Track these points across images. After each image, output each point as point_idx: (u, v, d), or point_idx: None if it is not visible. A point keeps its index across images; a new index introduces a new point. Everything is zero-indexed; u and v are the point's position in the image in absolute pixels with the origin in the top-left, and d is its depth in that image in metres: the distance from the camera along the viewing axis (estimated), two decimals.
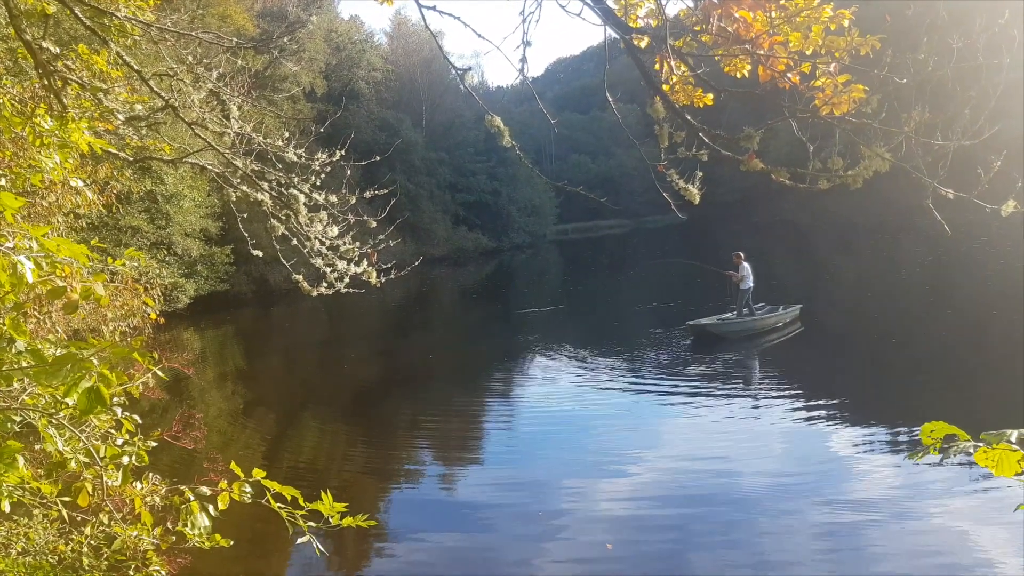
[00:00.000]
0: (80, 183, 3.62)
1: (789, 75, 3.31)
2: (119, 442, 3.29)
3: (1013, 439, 2.22)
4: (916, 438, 10.49)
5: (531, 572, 7.85)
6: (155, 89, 4.77)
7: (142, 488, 3.38)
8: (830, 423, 11.83)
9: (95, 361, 2.93)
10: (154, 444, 3.41)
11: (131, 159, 5.13)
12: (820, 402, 12.98)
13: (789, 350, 18.11)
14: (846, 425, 11.66)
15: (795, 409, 12.80)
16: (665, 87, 3.85)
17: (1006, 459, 2.21)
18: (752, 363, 17.27)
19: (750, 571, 7.45)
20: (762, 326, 19.81)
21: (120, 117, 4.72)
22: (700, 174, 3.59)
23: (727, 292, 20.21)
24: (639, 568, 7.80)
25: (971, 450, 2.26)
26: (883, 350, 16.80)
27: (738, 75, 3.70)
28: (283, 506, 3.05)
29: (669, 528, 8.62)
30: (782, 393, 13.97)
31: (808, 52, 3.30)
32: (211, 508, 3.16)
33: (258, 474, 3.08)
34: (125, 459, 3.01)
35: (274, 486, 3.02)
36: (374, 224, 5.20)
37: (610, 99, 3.84)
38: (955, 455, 2.28)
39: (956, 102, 3.18)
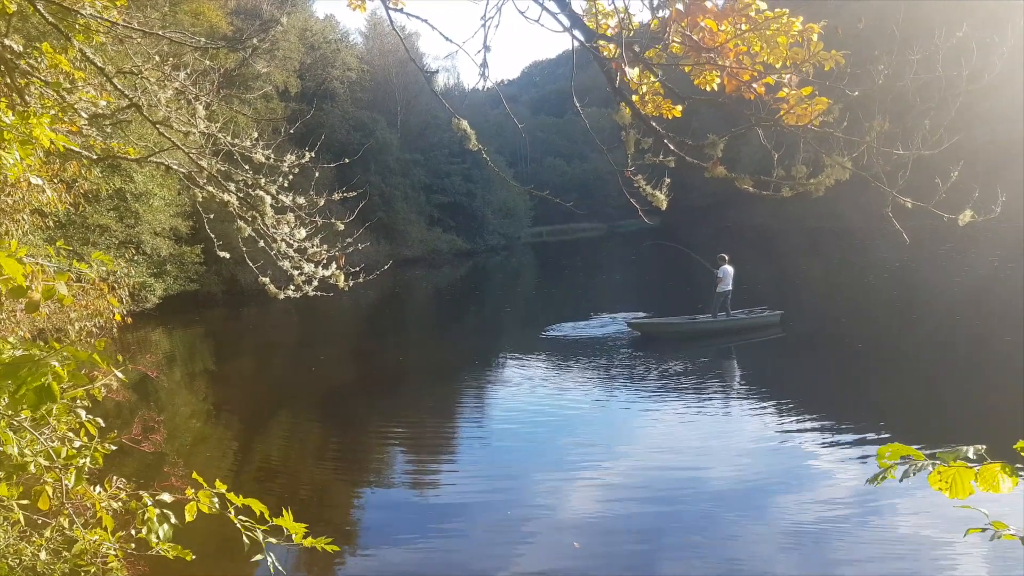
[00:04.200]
0: (40, 181, 3.57)
1: (755, 85, 3.35)
2: (77, 444, 3.24)
3: (970, 455, 2.22)
4: (882, 439, 10.63)
5: (500, 571, 7.85)
6: (119, 87, 4.71)
7: (101, 493, 3.34)
8: (798, 425, 11.95)
9: (55, 363, 2.89)
10: (114, 448, 3.37)
11: (95, 157, 5.05)
12: (789, 404, 13.11)
13: (759, 353, 18.31)
14: (814, 427, 11.78)
15: (764, 411, 12.92)
16: (635, 98, 3.87)
17: (959, 480, 2.19)
18: (722, 365, 17.44)
19: (716, 569, 7.49)
20: (701, 330, 20.07)
21: (84, 115, 4.65)
22: (667, 180, 3.61)
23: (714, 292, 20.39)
24: (607, 566, 7.84)
25: (929, 469, 2.24)
26: (851, 354, 17.02)
27: (708, 88, 3.72)
28: (244, 520, 3.01)
29: (637, 527, 8.67)
30: (751, 395, 14.09)
31: (776, 65, 3.34)
32: (172, 517, 3.12)
33: (220, 486, 3.04)
34: (81, 461, 2.96)
35: (237, 500, 2.98)
36: (341, 227, 5.17)
37: (577, 105, 3.85)
38: (912, 475, 2.26)
39: (916, 112, 3.23)
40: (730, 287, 19.83)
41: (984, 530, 2.25)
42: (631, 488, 9.91)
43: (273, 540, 2.98)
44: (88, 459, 3.06)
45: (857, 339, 18.41)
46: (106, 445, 3.29)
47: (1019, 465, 2.21)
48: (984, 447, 2.23)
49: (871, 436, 11.07)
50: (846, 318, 21.43)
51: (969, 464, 2.18)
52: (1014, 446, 2.20)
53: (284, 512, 2.88)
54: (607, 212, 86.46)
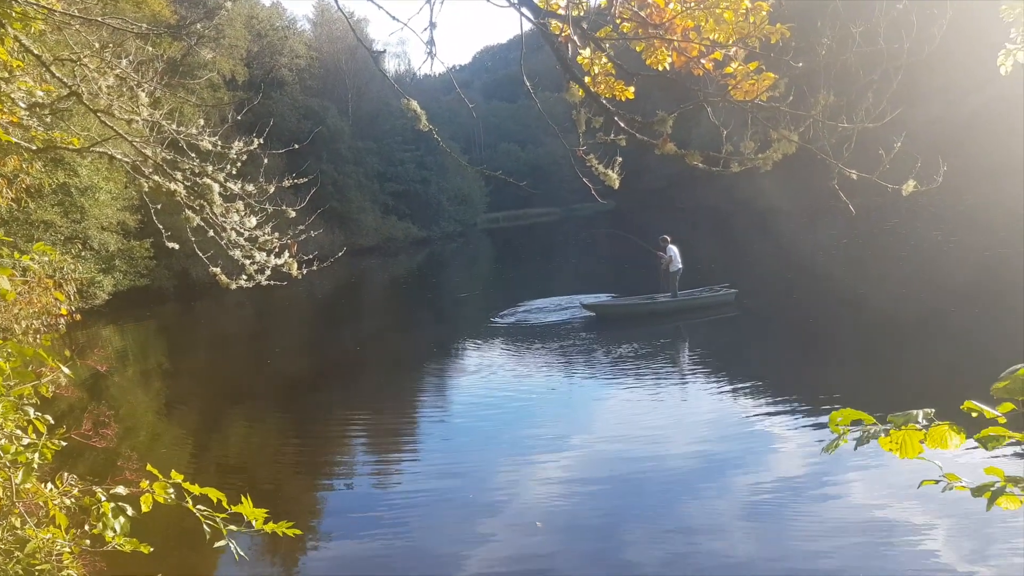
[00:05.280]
0: None
1: (703, 61, 3.38)
2: (25, 442, 3.17)
3: (920, 419, 2.27)
4: (835, 410, 10.85)
5: (463, 552, 7.88)
6: (57, 75, 4.57)
7: (52, 490, 3.26)
8: (754, 401, 12.16)
9: None
10: (64, 444, 3.30)
11: (35, 148, 4.91)
12: (744, 381, 13.33)
13: (714, 332, 18.56)
14: (769, 402, 11.99)
15: (720, 389, 13.11)
16: (588, 79, 3.87)
17: (909, 441, 2.25)
18: (678, 345, 17.65)
19: (678, 544, 7.61)
20: (655, 310, 20.38)
21: (22, 105, 4.52)
22: (619, 159, 3.62)
23: (659, 274, 20.68)
24: (569, 543, 7.93)
25: (881, 434, 2.30)
26: (803, 330, 17.36)
27: (660, 68, 3.74)
28: (203, 509, 2.96)
29: (598, 506, 8.76)
30: (707, 374, 14.29)
31: (720, 40, 3.37)
32: (129, 510, 3.06)
33: (176, 477, 2.99)
34: (29, 457, 2.89)
35: (194, 489, 2.93)
36: (292, 214, 5.09)
37: (528, 86, 3.85)
38: (866, 442, 2.31)
39: (860, 86, 3.28)
40: (680, 266, 20.20)
41: (938, 482, 2.31)
42: (591, 468, 9.99)
43: (234, 527, 2.94)
44: (37, 456, 2.99)
45: (808, 315, 18.78)
46: (55, 441, 3.22)
47: (974, 443, 2.27)
48: (933, 411, 2.29)
49: (825, 409, 11.29)
50: (797, 295, 21.81)
51: (918, 427, 2.24)
52: (961, 406, 2.27)
53: (244, 499, 2.84)
54: (562, 196, 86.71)
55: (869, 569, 6.90)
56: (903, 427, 2.25)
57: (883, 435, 2.26)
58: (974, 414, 2.26)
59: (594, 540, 7.96)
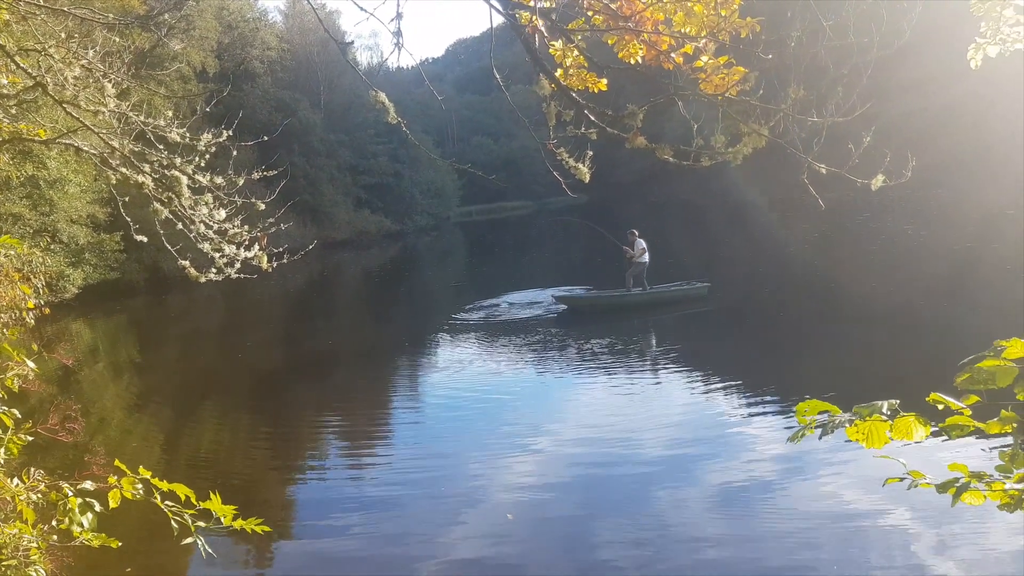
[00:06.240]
0: None
1: (673, 55, 3.39)
2: None
3: (884, 410, 2.30)
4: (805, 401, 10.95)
5: (435, 545, 7.88)
6: (22, 66, 4.49)
7: (18, 485, 3.21)
8: (726, 395, 12.24)
9: None
10: (30, 439, 3.25)
11: (0, 140, 4.82)
12: (716, 374, 13.41)
13: (686, 325, 18.67)
14: (741, 397, 12.09)
15: (692, 382, 13.20)
16: (559, 72, 3.87)
17: (875, 431, 2.28)
18: (650, 338, 17.72)
19: (649, 537, 7.65)
20: (627, 303, 20.49)
21: None
22: (590, 153, 3.63)
23: (626, 268, 20.76)
24: (540, 534, 7.96)
25: (846, 424, 2.32)
26: (774, 323, 17.51)
27: (632, 61, 3.74)
28: (171, 505, 2.93)
29: (569, 498, 8.80)
30: (679, 367, 14.37)
31: (691, 33, 3.38)
32: (96, 505, 3.02)
33: (145, 472, 2.95)
34: None
35: (162, 485, 2.90)
36: (262, 207, 5.04)
37: (498, 78, 3.85)
38: (831, 431, 2.34)
39: (830, 79, 3.31)
40: (647, 260, 20.33)
41: (902, 479, 2.34)
42: (563, 462, 10.02)
43: (202, 524, 2.91)
44: (3, 451, 2.95)
45: (780, 308, 18.95)
46: (22, 436, 3.17)
47: (937, 430, 2.30)
48: (897, 402, 2.32)
49: (795, 401, 11.39)
50: (769, 288, 21.97)
51: (884, 418, 2.27)
52: (927, 398, 2.30)
53: (213, 495, 2.82)
54: (535, 190, 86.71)
55: (841, 562, 6.98)
56: (868, 418, 2.28)
57: (848, 425, 2.29)
58: (940, 406, 2.30)
59: (566, 532, 7.99)
